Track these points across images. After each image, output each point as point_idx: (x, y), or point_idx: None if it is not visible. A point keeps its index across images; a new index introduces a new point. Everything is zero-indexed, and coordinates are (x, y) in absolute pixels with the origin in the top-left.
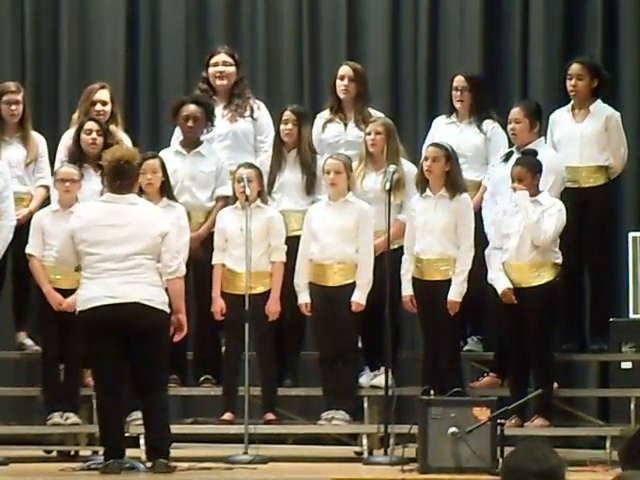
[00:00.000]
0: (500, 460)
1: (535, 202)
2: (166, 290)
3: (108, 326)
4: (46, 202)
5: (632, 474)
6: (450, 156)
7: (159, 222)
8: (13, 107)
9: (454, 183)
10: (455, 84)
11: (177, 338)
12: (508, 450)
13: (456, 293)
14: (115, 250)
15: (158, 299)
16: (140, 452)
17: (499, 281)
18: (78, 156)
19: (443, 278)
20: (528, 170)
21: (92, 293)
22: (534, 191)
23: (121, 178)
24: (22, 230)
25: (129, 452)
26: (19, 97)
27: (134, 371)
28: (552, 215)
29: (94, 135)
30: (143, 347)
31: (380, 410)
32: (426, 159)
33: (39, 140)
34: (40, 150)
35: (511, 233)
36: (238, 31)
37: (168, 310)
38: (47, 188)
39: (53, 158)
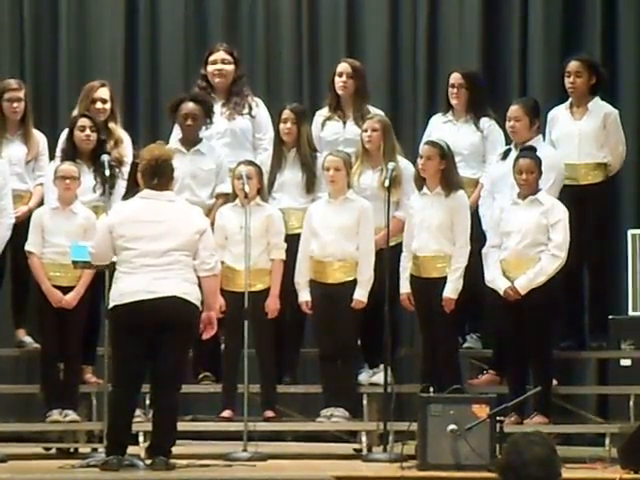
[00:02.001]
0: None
1: (535, 201)
2: (199, 287)
3: (142, 321)
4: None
5: None
6: (445, 154)
7: (196, 219)
8: (15, 104)
9: (449, 181)
10: (451, 81)
11: (206, 335)
12: None
13: (451, 290)
14: (153, 245)
15: (193, 294)
16: (139, 449)
17: (498, 282)
18: (72, 153)
19: (439, 275)
20: (536, 164)
21: (129, 288)
22: (536, 188)
23: (159, 176)
24: (21, 228)
25: (128, 449)
26: (21, 94)
27: (154, 365)
28: (560, 222)
29: (88, 132)
30: (170, 340)
31: (379, 407)
32: (421, 157)
33: (40, 138)
34: (41, 148)
35: (511, 231)
36: (237, 29)
37: (201, 308)
38: None
39: (52, 156)
